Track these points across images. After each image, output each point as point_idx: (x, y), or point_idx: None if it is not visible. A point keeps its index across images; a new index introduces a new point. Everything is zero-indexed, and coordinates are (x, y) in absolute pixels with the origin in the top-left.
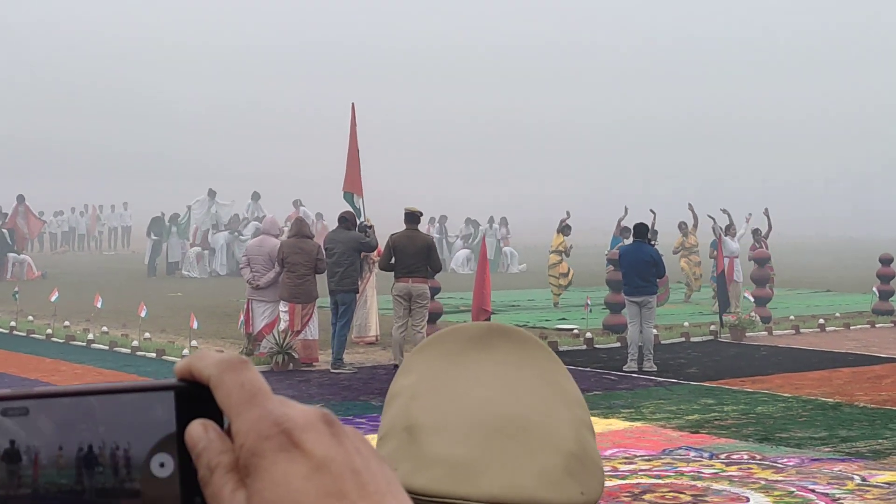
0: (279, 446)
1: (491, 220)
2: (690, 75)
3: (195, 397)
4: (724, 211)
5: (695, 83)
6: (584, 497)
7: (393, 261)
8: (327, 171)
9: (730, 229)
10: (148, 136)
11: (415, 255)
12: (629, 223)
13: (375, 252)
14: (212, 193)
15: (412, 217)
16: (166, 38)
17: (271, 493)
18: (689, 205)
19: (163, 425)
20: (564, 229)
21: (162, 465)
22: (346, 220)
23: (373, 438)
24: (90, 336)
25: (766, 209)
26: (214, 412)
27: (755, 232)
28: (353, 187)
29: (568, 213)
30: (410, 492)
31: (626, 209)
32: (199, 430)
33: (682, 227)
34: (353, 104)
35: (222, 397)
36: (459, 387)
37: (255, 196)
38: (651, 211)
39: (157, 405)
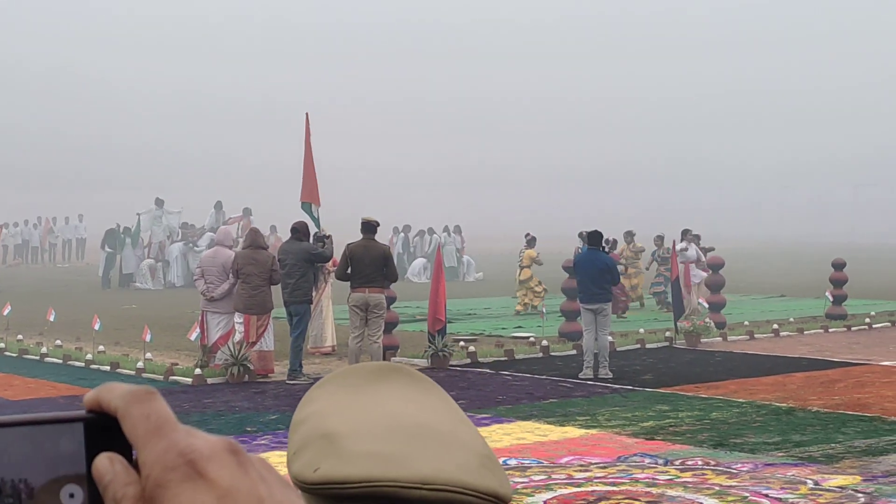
0: (184, 476)
1: (446, 229)
2: (652, 58)
3: (105, 428)
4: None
5: (655, 76)
6: (503, 489)
7: (349, 270)
8: (286, 172)
9: (686, 234)
10: (99, 137)
11: (371, 265)
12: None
13: (331, 262)
14: (159, 202)
15: (369, 227)
16: (123, 31)
17: None
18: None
19: (73, 456)
20: (531, 242)
21: (72, 495)
22: (298, 231)
23: None
24: (43, 350)
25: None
26: (124, 443)
27: (694, 238)
28: (310, 197)
29: (529, 233)
30: (339, 482)
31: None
32: (106, 464)
33: (627, 236)
34: (307, 114)
35: (129, 429)
36: (368, 404)
37: (218, 206)
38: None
39: (68, 436)
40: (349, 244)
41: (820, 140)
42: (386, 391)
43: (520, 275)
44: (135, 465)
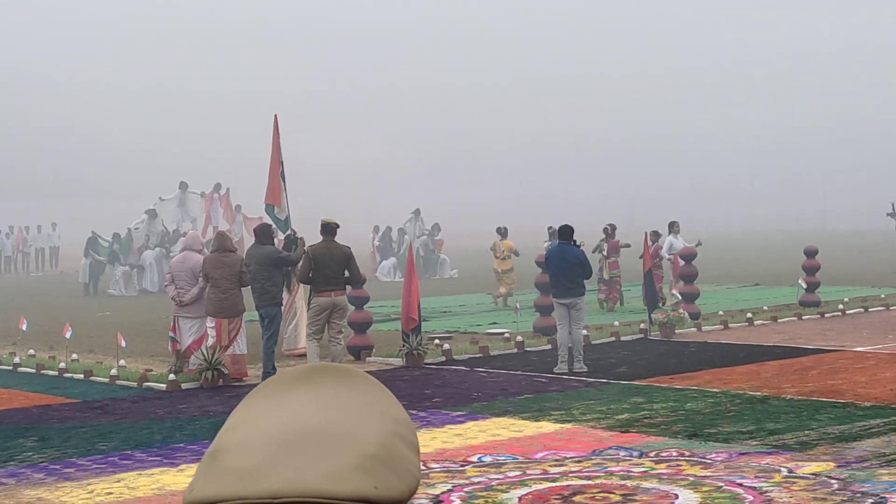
0: None
1: (416, 213)
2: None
3: None
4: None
5: (620, 87)
6: (378, 491)
7: (312, 274)
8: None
9: (673, 227)
10: (74, 159)
11: (335, 267)
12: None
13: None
14: (151, 213)
15: (328, 228)
16: (93, 35)
17: None
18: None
19: None
20: (504, 233)
21: None
22: (260, 235)
23: None
24: (16, 359)
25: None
26: None
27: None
28: (273, 199)
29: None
30: (199, 503)
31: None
32: None
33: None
34: (275, 116)
35: None
36: (269, 413)
37: (183, 186)
38: (609, 226)
39: None
40: (311, 246)
41: (793, 145)
42: (300, 395)
43: (500, 266)
44: None
